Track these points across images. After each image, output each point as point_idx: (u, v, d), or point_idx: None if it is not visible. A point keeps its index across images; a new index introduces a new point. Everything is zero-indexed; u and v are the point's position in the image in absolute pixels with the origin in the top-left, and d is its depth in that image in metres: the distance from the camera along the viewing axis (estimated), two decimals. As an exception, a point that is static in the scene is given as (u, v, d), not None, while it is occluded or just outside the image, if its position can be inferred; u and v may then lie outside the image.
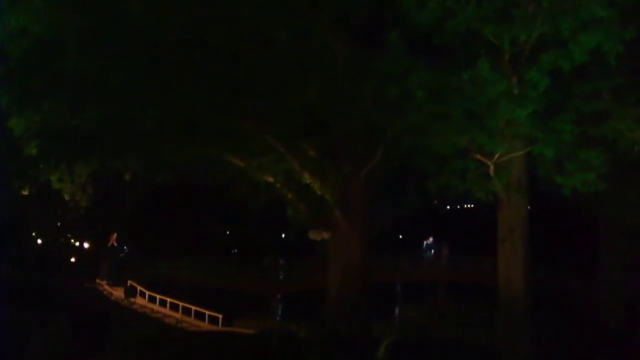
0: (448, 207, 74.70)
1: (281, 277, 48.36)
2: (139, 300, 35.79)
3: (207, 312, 31.95)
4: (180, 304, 32.49)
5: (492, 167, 22.79)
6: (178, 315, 32.03)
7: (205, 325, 31.46)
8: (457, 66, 21.46)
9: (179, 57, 24.45)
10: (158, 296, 35.22)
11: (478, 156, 22.94)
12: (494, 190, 23.65)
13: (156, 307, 34.62)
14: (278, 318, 37.91)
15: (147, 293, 35.91)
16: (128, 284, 36.72)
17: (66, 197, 35.28)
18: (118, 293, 36.70)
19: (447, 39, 21.61)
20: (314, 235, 28.55)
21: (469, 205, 71.23)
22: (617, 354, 26.67)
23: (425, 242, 49.90)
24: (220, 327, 30.81)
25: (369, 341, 24.90)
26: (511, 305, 23.98)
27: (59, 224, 51.68)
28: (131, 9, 23.49)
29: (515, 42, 21.26)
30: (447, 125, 22.32)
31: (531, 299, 24.22)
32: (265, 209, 34.57)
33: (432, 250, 49.14)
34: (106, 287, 38.23)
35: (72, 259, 49.49)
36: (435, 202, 59.13)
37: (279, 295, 46.96)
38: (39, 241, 53.13)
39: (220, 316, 31.16)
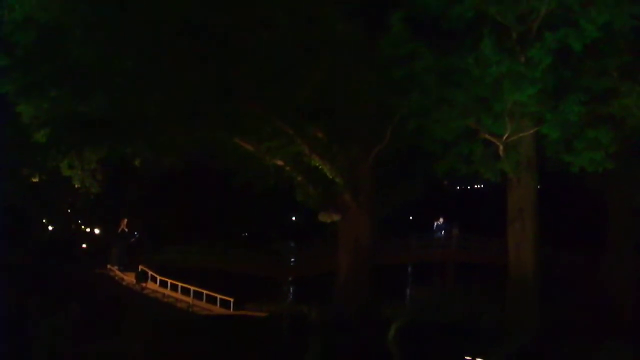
0: (458, 187, 74.65)
1: (292, 260, 48.36)
2: (151, 285, 35.78)
3: (219, 296, 31.99)
4: (192, 288, 32.51)
5: (501, 147, 22.78)
6: (189, 299, 32.04)
7: (217, 309, 31.48)
8: (463, 49, 21.47)
9: (185, 43, 24.46)
10: (169, 281, 35.25)
11: (487, 136, 22.93)
12: (503, 171, 23.64)
13: (168, 291, 34.62)
14: (289, 301, 37.90)
15: (159, 278, 35.94)
16: (139, 269, 36.75)
17: (76, 184, 35.37)
18: (129, 278, 36.68)
19: (454, 23, 21.58)
20: (323, 217, 28.62)
21: (479, 186, 71.02)
22: (624, 332, 26.68)
23: (435, 223, 49.71)
24: (232, 311, 30.86)
25: (378, 323, 24.97)
26: (521, 285, 24.06)
27: (69, 210, 51.72)
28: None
29: (522, 20, 21.20)
30: (452, 110, 22.32)
31: (540, 278, 24.25)
32: (274, 193, 34.54)
33: (442, 231, 48.91)
34: (117, 272, 38.22)
35: (83, 245, 49.51)
36: (445, 182, 59.07)
37: (289, 279, 46.95)
38: (50, 228, 53.21)
39: (232, 300, 31.20)
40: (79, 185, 35.32)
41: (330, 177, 27.60)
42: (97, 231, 52.51)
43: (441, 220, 48.93)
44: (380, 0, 24.87)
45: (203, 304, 32.19)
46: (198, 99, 25.45)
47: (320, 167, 27.60)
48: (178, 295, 33.74)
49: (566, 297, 32.34)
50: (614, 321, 30.39)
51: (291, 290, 43.94)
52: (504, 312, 25.15)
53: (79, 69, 24.90)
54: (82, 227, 54.12)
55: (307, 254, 47.45)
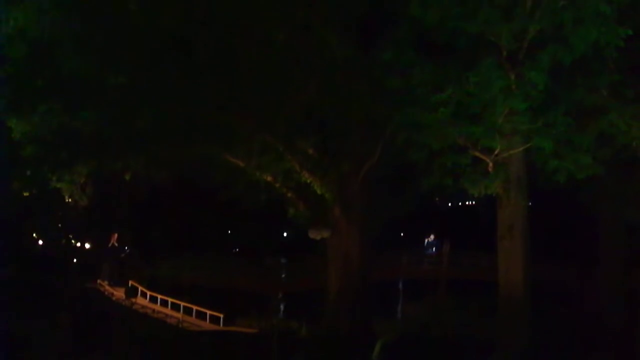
0: (449, 204, 74.77)
1: (283, 276, 48.31)
2: (140, 300, 35.72)
3: (209, 312, 31.93)
4: (182, 304, 32.45)
5: (491, 164, 22.79)
6: (179, 315, 31.96)
7: (207, 325, 31.42)
8: (458, 66, 21.54)
9: (177, 57, 24.48)
10: (159, 296, 35.20)
11: (477, 153, 22.94)
12: (491, 188, 23.61)
13: (157, 307, 34.57)
14: (279, 317, 37.83)
15: (148, 293, 35.88)
16: (129, 284, 36.69)
17: (65, 197, 35.31)
18: (119, 293, 36.60)
19: (449, 38, 21.65)
20: (313, 234, 28.58)
21: (470, 203, 71.16)
22: (616, 349, 26.70)
23: (426, 240, 49.83)
24: (221, 327, 30.80)
25: (369, 339, 24.90)
26: (511, 302, 24.01)
27: (59, 224, 51.62)
28: (130, 9, 23.59)
29: (513, 39, 21.28)
30: (441, 114, 22.26)
31: (530, 295, 24.24)
32: (266, 208, 34.50)
33: (434, 248, 49.04)
34: (107, 287, 38.15)
35: (74, 260, 49.39)
36: (437, 199, 59.17)
37: (280, 295, 46.89)
38: (40, 242, 53.11)
39: (222, 316, 31.13)
40: (69, 199, 35.24)
41: (321, 193, 27.58)
42: (87, 246, 52.37)
43: (432, 237, 49.04)
44: (372, 15, 24.99)
45: (193, 319, 32.10)
46: (189, 114, 25.44)
47: (310, 183, 27.57)
48: (168, 310, 33.68)
49: (557, 312, 32.40)
50: (605, 336, 30.44)
51: (282, 306, 43.86)
52: (495, 329, 25.11)
53: (70, 83, 24.87)
54: (73, 241, 54.00)
55: (298, 270, 47.39)
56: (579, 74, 21.91)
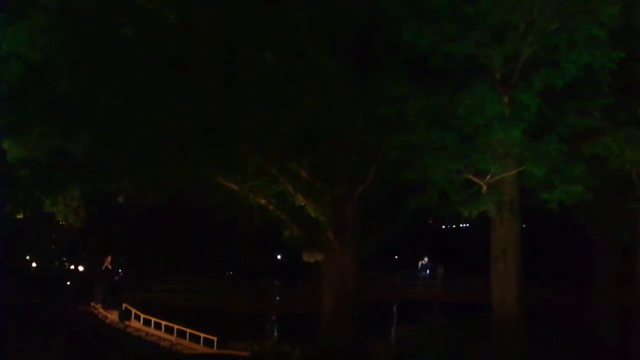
0: (443, 226, 74.67)
1: (277, 298, 48.28)
2: (134, 323, 35.60)
3: (202, 335, 31.82)
4: (175, 326, 32.34)
5: (484, 187, 22.84)
6: (173, 338, 31.83)
7: (201, 348, 31.28)
8: (452, 88, 21.62)
9: (171, 80, 24.53)
10: (153, 319, 35.08)
11: (470, 177, 23.00)
12: (484, 210, 23.67)
13: (151, 330, 34.43)
14: (273, 340, 37.75)
15: (142, 316, 35.76)
16: (122, 307, 36.59)
17: (59, 220, 35.24)
18: (113, 316, 36.49)
19: (442, 62, 21.70)
20: (307, 257, 28.56)
21: (464, 225, 71.10)
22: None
23: (420, 262, 50.08)
24: (215, 350, 30.68)
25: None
26: (505, 324, 23.98)
27: (53, 247, 51.58)
28: (123, 32, 23.66)
29: (506, 62, 21.36)
30: (445, 154, 22.41)
31: (525, 317, 24.22)
32: (260, 231, 34.47)
33: (428, 270, 49.33)
34: (101, 310, 38.05)
35: (67, 282, 49.27)
36: (431, 221, 59.21)
37: (274, 317, 46.85)
38: (34, 264, 53.03)
39: (215, 339, 31.03)
40: (62, 222, 35.19)
41: (314, 216, 27.55)
42: (80, 268, 52.27)
43: (426, 259, 49.29)
44: (364, 38, 25.10)
45: (186, 342, 31.98)
46: (182, 136, 25.47)
47: (304, 206, 27.55)
48: (162, 333, 33.55)
49: (552, 334, 32.37)
50: (601, 358, 30.44)
51: (275, 329, 43.79)
52: (490, 351, 25.06)
53: (65, 105, 24.89)
54: (66, 264, 53.91)
55: (291, 292, 47.42)
56: (571, 97, 22.03)
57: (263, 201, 28.40)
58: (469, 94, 20.94)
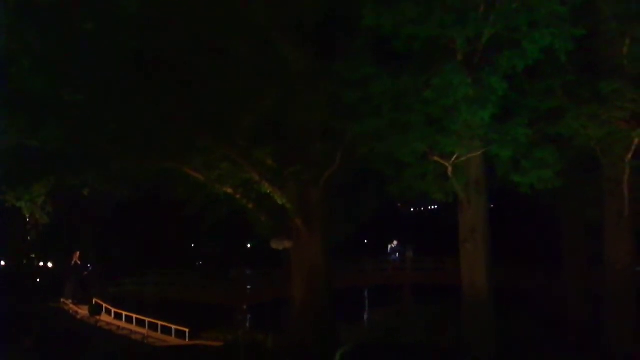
0: (411, 209, 75.01)
1: (248, 287, 48.24)
2: (105, 317, 35.55)
3: (174, 327, 31.79)
4: (147, 319, 32.30)
5: (450, 168, 22.92)
6: (145, 331, 31.85)
7: (173, 340, 31.30)
8: (415, 70, 21.61)
9: (133, 71, 24.38)
10: (124, 313, 35.03)
11: (436, 158, 23.06)
12: (453, 191, 23.82)
13: (122, 323, 34.41)
14: (245, 329, 37.75)
15: (113, 310, 35.70)
16: (93, 302, 36.47)
17: (25, 214, 35.01)
18: (83, 312, 36.42)
19: (405, 44, 21.66)
20: (275, 244, 28.46)
21: (432, 207, 71.47)
22: (581, 348, 26.91)
23: (389, 246, 50.12)
24: (187, 341, 30.67)
25: (335, 348, 24.92)
26: (475, 305, 24.12)
27: (21, 244, 51.20)
28: (85, 26, 23.46)
29: (469, 43, 21.37)
30: (409, 134, 22.44)
31: (494, 296, 24.37)
32: (228, 220, 34.39)
33: (397, 254, 49.39)
34: (71, 306, 37.93)
35: (37, 280, 49.01)
36: (399, 205, 59.42)
37: (245, 306, 46.81)
38: (2, 262, 52.65)
39: (187, 330, 31.02)
40: (29, 217, 34.97)
41: (281, 203, 27.51)
42: (50, 265, 51.97)
43: (395, 243, 49.33)
44: (329, 24, 25.05)
45: (158, 335, 31.98)
46: (146, 128, 25.34)
47: (270, 193, 27.50)
48: (133, 327, 33.53)
49: (522, 313, 32.61)
50: (570, 336, 30.67)
51: (248, 318, 43.75)
52: (460, 332, 25.20)
53: (29, 99, 24.68)
54: (35, 261, 53.56)
55: (263, 281, 47.39)
56: (533, 78, 22.11)
57: (229, 190, 28.29)
58: (438, 75, 20.88)
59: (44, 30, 23.89)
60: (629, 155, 23.75)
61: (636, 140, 23.08)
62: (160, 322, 32.45)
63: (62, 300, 39.17)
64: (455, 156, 22.62)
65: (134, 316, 34.09)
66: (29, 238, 48.36)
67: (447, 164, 22.91)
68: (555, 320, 33.19)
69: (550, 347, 26.56)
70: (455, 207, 24.90)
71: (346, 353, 24.10)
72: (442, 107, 21.48)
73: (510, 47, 20.75)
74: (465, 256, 24.47)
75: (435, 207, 66.45)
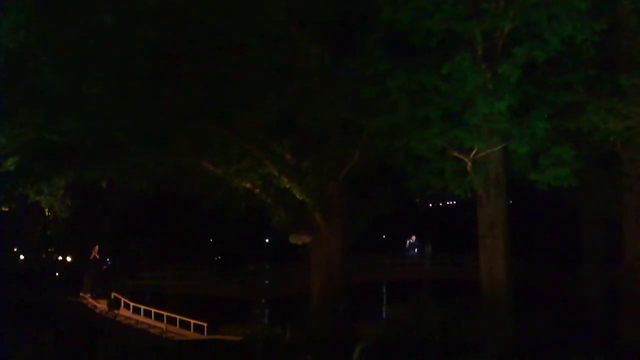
0: (430, 205, 74.66)
1: (266, 282, 48.21)
2: (124, 311, 35.59)
3: (192, 321, 31.82)
4: (165, 314, 32.32)
5: (469, 163, 22.84)
6: (163, 325, 31.84)
7: (191, 334, 31.32)
8: (432, 65, 21.55)
9: (152, 67, 24.41)
10: (142, 307, 35.08)
11: (455, 153, 22.99)
12: (472, 187, 23.73)
13: (141, 318, 34.44)
14: (263, 323, 37.75)
15: (132, 304, 35.75)
16: (112, 296, 36.54)
17: (45, 208, 35.09)
18: (102, 306, 36.48)
19: (423, 39, 21.61)
20: (294, 239, 28.51)
21: (451, 203, 71.14)
22: (598, 344, 26.75)
23: (408, 241, 49.96)
24: (205, 335, 30.69)
25: (352, 343, 24.90)
26: (494, 300, 24.05)
27: (40, 238, 51.31)
28: (104, 21, 23.53)
29: (488, 36, 21.30)
30: (427, 129, 22.41)
31: (512, 291, 24.28)
32: (247, 215, 34.40)
33: (415, 249, 49.22)
34: (90, 300, 38.01)
35: (56, 273, 49.14)
36: (417, 200, 59.24)
37: (263, 301, 46.80)
38: (22, 257, 52.81)
39: (206, 324, 31.03)
40: (48, 210, 35.04)
41: (300, 198, 27.50)
42: (68, 259, 52.11)
43: (413, 238, 49.16)
44: (348, 20, 25.01)
45: (177, 329, 31.99)
46: (165, 122, 25.36)
47: (289, 188, 27.49)
48: (152, 321, 33.55)
49: (541, 309, 32.44)
50: (589, 333, 30.50)
51: (266, 312, 43.77)
52: (478, 328, 25.13)
53: (48, 94, 24.78)
54: (54, 255, 53.71)
55: (281, 275, 47.37)
56: (553, 72, 21.98)
57: (248, 185, 28.31)
58: (449, 66, 20.82)
59: (62, 25, 23.98)
60: (649, 151, 23.64)
61: (656, 135, 22.96)
62: (178, 317, 32.48)
63: (80, 294, 39.25)
64: (474, 151, 22.53)
65: (153, 310, 34.14)
66: (48, 232, 48.36)
67: (466, 159, 22.82)
68: (574, 318, 33.00)
69: (568, 345, 26.40)
70: (474, 203, 24.84)
71: (365, 349, 24.06)
72: (459, 101, 21.44)
73: (530, 39, 20.68)
74: (484, 252, 24.41)
75: (454, 202, 66.09)
